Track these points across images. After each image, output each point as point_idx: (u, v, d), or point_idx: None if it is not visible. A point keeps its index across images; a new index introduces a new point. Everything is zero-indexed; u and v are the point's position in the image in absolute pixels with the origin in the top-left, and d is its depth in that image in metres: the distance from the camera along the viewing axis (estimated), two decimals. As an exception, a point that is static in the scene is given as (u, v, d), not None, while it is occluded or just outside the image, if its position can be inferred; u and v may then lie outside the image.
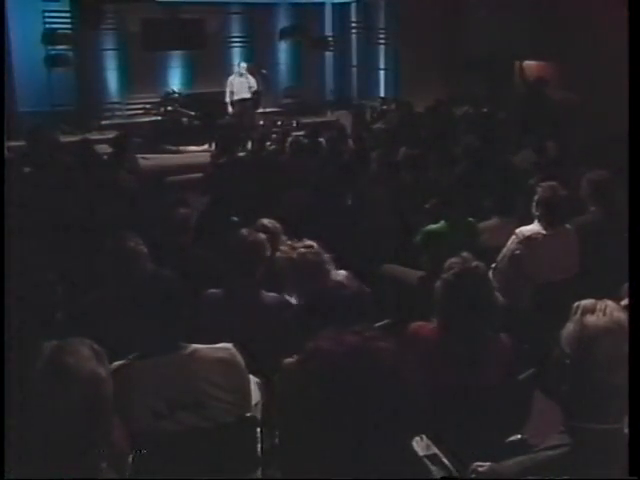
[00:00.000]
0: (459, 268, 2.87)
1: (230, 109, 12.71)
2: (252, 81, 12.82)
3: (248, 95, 12.74)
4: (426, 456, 1.67)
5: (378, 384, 1.36)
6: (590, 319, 1.78)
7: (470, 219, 4.98)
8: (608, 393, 1.75)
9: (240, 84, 12.69)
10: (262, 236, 3.71)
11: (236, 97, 12.66)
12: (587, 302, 1.85)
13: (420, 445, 1.72)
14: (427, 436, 1.85)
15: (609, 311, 1.79)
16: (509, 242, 4.56)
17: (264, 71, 13.21)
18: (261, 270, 3.63)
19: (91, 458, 1.68)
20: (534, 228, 4.51)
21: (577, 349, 1.78)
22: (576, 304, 1.86)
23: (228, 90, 12.69)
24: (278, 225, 4.29)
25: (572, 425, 1.80)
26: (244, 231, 3.71)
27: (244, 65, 12.90)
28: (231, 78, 12.85)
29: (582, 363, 1.77)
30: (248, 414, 2.63)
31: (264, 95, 13.26)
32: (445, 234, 4.84)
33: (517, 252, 4.46)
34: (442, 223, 4.90)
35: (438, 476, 1.66)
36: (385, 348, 1.41)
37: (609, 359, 1.73)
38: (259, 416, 2.73)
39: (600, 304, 1.82)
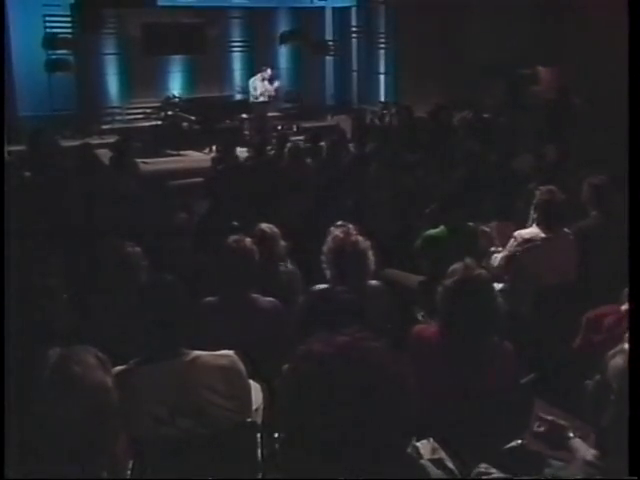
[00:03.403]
0: (460, 275, 2.87)
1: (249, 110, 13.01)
2: (270, 86, 12.97)
3: (267, 99, 12.95)
4: (431, 460, 1.64)
5: (370, 383, 1.36)
6: None
7: (470, 223, 4.98)
8: None
9: (263, 88, 12.88)
10: (249, 242, 3.70)
11: (258, 100, 12.87)
12: None
13: (426, 448, 1.69)
14: (434, 439, 1.83)
15: None
16: (508, 245, 4.58)
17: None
18: (253, 276, 3.64)
19: (93, 466, 1.67)
20: (533, 231, 4.53)
21: (626, 386, 1.63)
22: (627, 334, 1.75)
23: (251, 92, 12.91)
24: (276, 230, 4.29)
25: (605, 463, 1.69)
26: (232, 239, 3.71)
27: (269, 71, 13.03)
28: (254, 80, 12.99)
29: (628, 402, 1.61)
30: (248, 419, 2.62)
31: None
32: (445, 239, 4.83)
33: (516, 255, 4.48)
34: (442, 228, 4.90)
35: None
36: (375, 347, 1.41)
37: None
38: (260, 421, 2.73)
39: None
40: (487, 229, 4.79)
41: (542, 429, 2.38)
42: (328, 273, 3.69)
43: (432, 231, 4.94)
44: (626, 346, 1.72)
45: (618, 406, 1.66)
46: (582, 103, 9.97)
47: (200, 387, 2.53)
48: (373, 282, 3.77)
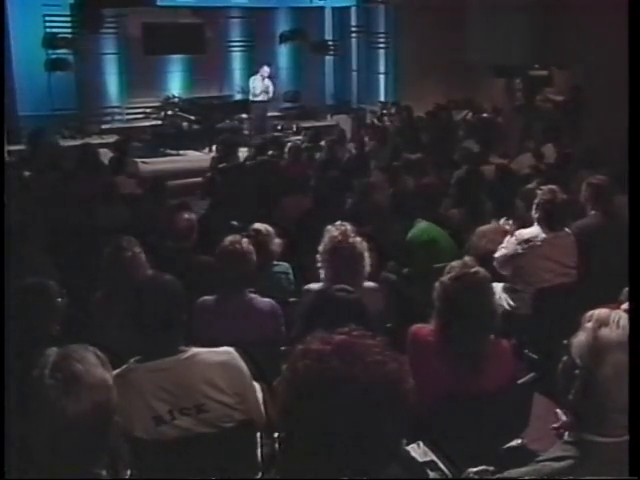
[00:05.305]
0: (456, 273, 2.86)
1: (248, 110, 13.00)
2: (269, 83, 12.95)
3: (266, 98, 12.93)
4: (424, 462, 1.65)
5: (368, 382, 1.36)
6: (603, 331, 1.73)
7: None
8: (617, 406, 1.70)
9: (261, 87, 12.85)
10: (245, 244, 3.69)
11: (256, 99, 12.84)
12: (600, 312, 1.79)
13: (417, 452, 1.70)
14: (424, 443, 1.83)
15: (623, 323, 1.73)
16: (508, 244, 4.58)
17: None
18: (250, 276, 3.63)
19: (92, 464, 1.67)
20: (533, 231, 4.53)
21: (588, 361, 1.73)
22: (589, 313, 1.80)
23: (251, 91, 12.89)
24: (270, 229, 4.27)
25: (579, 437, 1.75)
26: (227, 240, 3.70)
27: (267, 69, 13.00)
28: (252, 80, 12.98)
29: (592, 375, 1.72)
30: (248, 418, 2.62)
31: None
32: (437, 236, 4.87)
33: (515, 254, 4.48)
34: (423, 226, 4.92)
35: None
36: (373, 346, 1.41)
37: (620, 372, 1.68)
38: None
39: (614, 315, 1.76)
40: (508, 227, 4.75)
41: (556, 426, 2.41)
42: (322, 273, 3.64)
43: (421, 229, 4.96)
44: (588, 325, 1.76)
45: (582, 379, 1.73)
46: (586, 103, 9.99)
47: (200, 383, 2.53)
48: (369, 284, 3.72)
